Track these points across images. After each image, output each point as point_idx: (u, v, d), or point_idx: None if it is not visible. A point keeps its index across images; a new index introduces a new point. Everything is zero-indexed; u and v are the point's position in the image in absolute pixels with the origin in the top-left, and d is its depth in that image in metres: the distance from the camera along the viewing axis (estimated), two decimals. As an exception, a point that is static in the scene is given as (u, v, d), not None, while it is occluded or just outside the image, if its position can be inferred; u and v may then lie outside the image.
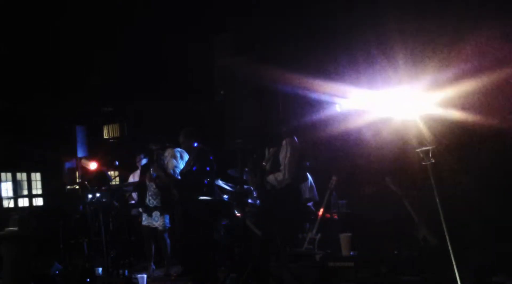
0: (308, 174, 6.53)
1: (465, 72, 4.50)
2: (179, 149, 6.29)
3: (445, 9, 4.69)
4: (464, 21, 4.52)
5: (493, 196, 4.65)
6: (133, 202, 7.46)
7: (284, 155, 4.91)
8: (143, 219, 6.59)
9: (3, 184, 14.30)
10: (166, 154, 6.32)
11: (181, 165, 6.24)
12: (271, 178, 4.93)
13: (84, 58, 10.72)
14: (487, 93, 4.44)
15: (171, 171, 6.19)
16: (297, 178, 5.06)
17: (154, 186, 6.43)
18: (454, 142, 4.70)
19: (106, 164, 7.32)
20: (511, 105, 4.42)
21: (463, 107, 4.52)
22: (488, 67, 4.42)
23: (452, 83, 4.51)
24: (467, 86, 4.44)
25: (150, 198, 6.50)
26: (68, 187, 7.70)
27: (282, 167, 4.90)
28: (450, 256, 3.81)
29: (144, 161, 6.94)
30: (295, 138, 5.06)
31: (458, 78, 4.51)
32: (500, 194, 4.65)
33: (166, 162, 6.26)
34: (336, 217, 6.07)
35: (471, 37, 4.45)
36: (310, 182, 6.47)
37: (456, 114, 4.56)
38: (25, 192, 14.83)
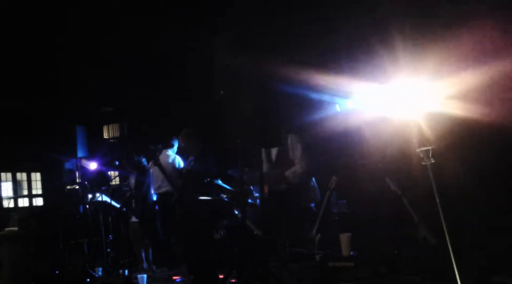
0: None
1: (468, 67, 4.45)
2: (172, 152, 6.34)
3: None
4: (469, 11, 4.45)
5: (493, 195, 4.64)
6: None
7: (293, 150, 4.93)
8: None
9: (3, 184, 14.31)
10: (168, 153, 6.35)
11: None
12: (288, 173, 4.93)
13: (84, 58, 10.73)
14: (489, 88, 4.39)
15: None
16: (316, 168, 5.09)
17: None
18: (455, 141, 4.68)
19: (106, 164, 7.32)
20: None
21: (465, 105, 4.49)
22: (492, 61, 4.35)
23: (454, 80, 4.47)
24: (470, 82, 4.40)
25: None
26: (68, 187, 7.70)
27: (297, 161, 4.92)
28: (450, 256, 3.80)
29: (144, 161, 6.93)
30: (302, 133, 5.09)
31: (461, 74, 4.46)
32: (500, 193, 4.63)
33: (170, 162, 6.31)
34: (336, 217, 6.06)
35: (474, 30, 4.39)
36: (312, 182, 6.46)
37: (458, 112, 4.53)
38: (25, 192, 14.83)
